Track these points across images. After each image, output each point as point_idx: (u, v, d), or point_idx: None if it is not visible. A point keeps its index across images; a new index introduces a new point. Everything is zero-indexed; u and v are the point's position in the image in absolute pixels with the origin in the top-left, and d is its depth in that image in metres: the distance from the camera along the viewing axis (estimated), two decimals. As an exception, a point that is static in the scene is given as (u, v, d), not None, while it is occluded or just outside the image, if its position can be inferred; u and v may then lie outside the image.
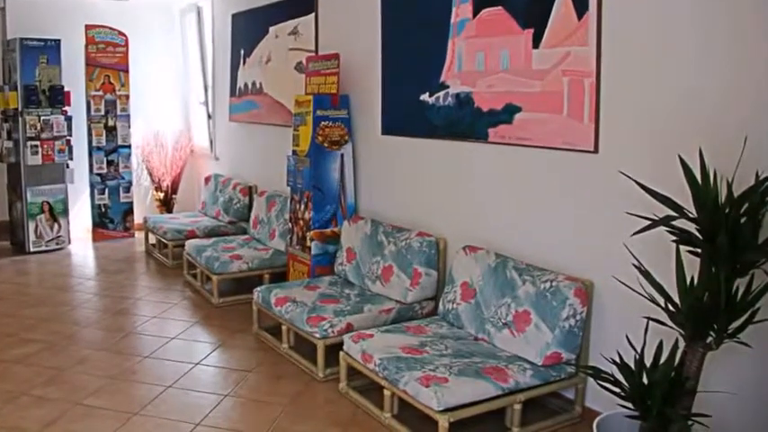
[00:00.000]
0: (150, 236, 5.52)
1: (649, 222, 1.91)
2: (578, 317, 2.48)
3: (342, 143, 3.90)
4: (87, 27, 5.79)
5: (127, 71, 5.95)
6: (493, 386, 2.37)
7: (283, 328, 3.31)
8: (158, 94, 6.45)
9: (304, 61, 4.30)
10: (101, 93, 5.87)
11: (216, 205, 5.46)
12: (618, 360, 2.02)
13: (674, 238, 1.93)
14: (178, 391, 2.93)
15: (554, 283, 2.53)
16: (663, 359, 1.97)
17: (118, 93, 5.93)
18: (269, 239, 4.52)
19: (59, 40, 5.46)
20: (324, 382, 3.03)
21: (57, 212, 5.58)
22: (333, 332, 3.00)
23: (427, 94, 3.37)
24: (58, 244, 5.60)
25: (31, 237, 5.47)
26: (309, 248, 3.86)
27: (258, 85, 5.19)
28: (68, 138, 5.56)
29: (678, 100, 2.27)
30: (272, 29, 4.95)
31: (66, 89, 5.51)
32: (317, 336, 3.01)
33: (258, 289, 3.56)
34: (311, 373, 3.10)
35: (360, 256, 3.57)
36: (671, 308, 1.94)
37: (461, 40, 3.16)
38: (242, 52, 5.41)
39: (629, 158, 2.40)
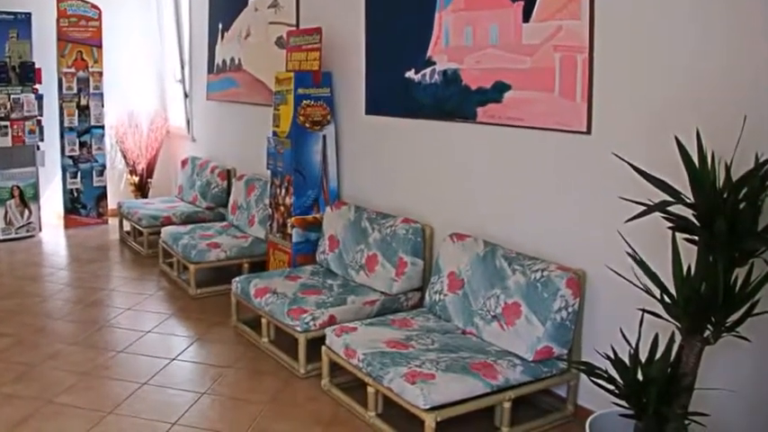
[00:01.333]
0: (125, 222, 5.34)
1: (644, 208, 1.81)
2: (570, 309, 2.38)
3: (324, 123, 3.74)
4: (59, -1, 5.52)
5: (100, 47, 5.70)
6: (482, 383, 2.28)
7: (263, 320, 3.20)
8: (133, 71, 6.20)
9: (285, 36, 4.11)
10: (73, 70, 5.63)
11: (193, 190, 5.27)
12: (612, 355, 1.94)
13: (671, 224, 1.84)
14: (153, 389, 2.83)
15: (545, 273, 2.43)
16: (659, 354, 1.90)
17: (91, 70, 5.70)
18: (248, 226, 4.37)
19: (30, 14, 5.22)
20: (305, 379, 2.93)
21: (27, 198, 5.37)
22: (315, 325, 2.89)
23: (413, 71, 3.22)
24: (28, 231, 5.40)
25: (1, 224, 5.27)
26: (290, 236, 3.72)
27: (237, 62, 4.98)
28: (39, 118, 5.34)
29: (675, 78, 2.17)
30: (251, 1, 4.73)
31: (36, 66, 5.26)
32: (299, 329, 2.89)
33: (237, 279, 3.44)
34: (292, 369, 3.00)
35: (343, 244, 3.44)
36: (667, 299, 1.86)
37: (449, 13, 3.00)
38: (220, 26, 5.19)
39: (624, 140, 2.30)
